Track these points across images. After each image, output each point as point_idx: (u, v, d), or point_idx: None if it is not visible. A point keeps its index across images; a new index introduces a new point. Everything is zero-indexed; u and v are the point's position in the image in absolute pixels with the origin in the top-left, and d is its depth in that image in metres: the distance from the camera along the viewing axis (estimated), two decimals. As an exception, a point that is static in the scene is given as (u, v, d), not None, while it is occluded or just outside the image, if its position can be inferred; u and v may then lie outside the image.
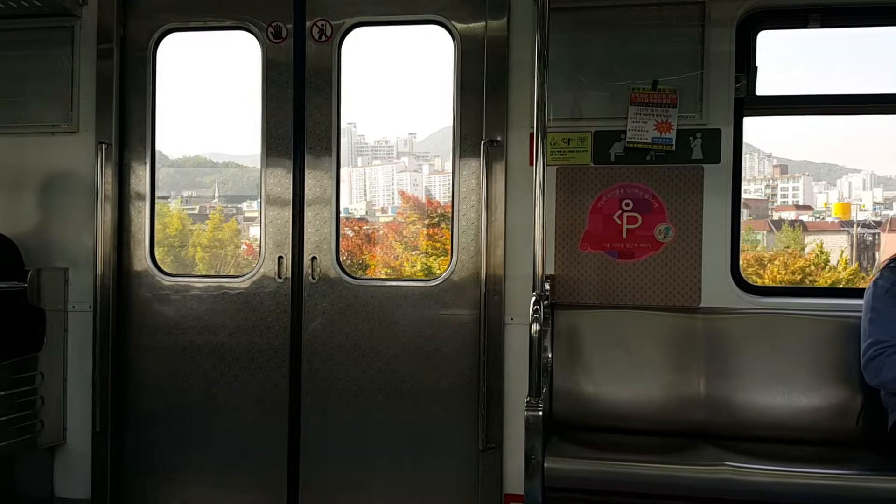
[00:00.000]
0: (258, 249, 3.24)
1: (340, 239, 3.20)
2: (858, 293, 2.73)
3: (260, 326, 3.17)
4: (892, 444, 2.50)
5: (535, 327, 2.38)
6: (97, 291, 3.17)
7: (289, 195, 3.18)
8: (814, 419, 2.70)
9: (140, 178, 3.28)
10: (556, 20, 2.62)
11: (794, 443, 2.66)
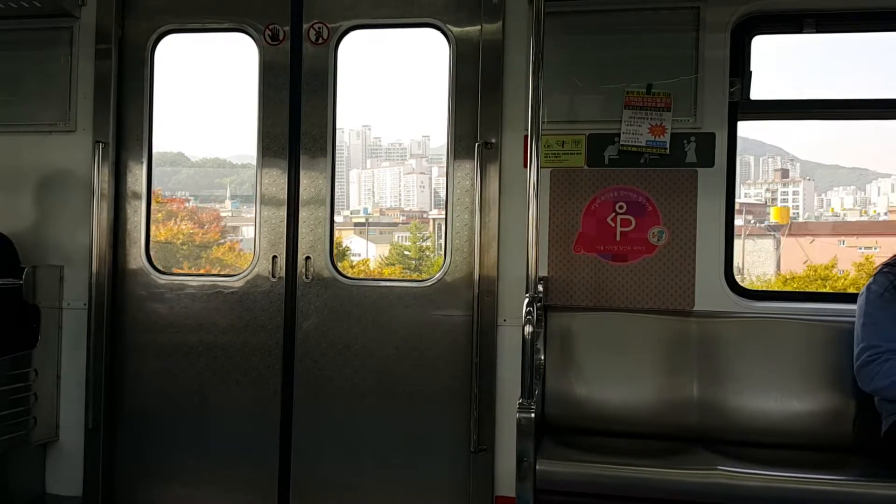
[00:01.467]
0: (252, 249, 3.25)
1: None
2: (852, 298, 2.72)
3: (253, 325, 3.18)
4: (886, 449, 2.48)
5: (528, 329, 2.37)
6: (92, 289, 3.18)
7: (284, 195, 3.19)
8: (807, 424, 2.69)
9: (136, 178, 3.30)
10: (550, 23, 2.64)
11: (788, 447, 2.65)
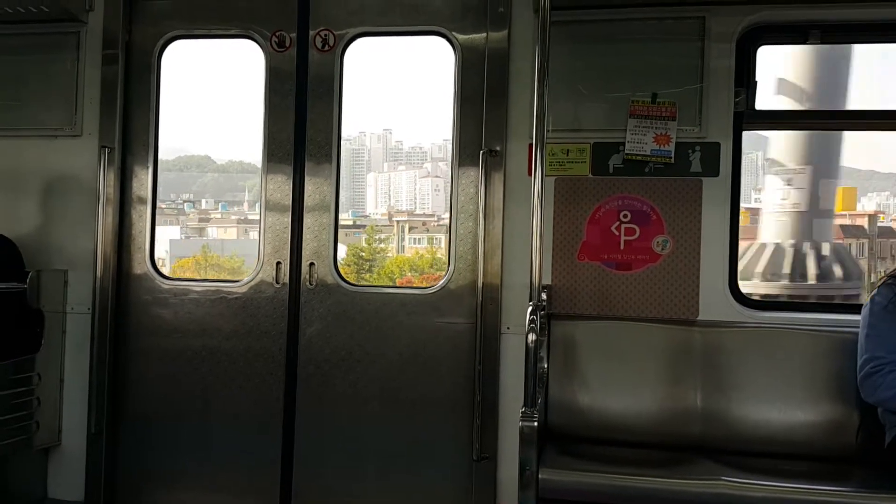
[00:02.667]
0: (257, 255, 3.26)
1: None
2: (856, 309, 2.72)
3: (257, 331, 3.18)
4: (890, 460, 2.48)
5: (532, 337, 2.37)
6: (96, 294, 3.19)
7: (288, 201, 3.19)
8: (811, 434, 2.68)
9: (142, 183, 3.31)
10: (556, 32, 2.64)
11: (791, 458, 2.64)
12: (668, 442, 2.73)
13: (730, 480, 2.37)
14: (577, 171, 2.97)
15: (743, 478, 2.40)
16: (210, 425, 3.22)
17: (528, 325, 2.37)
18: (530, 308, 2.41)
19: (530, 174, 2.59)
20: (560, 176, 2.97)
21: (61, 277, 3.25)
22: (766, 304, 3.14)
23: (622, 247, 2.94)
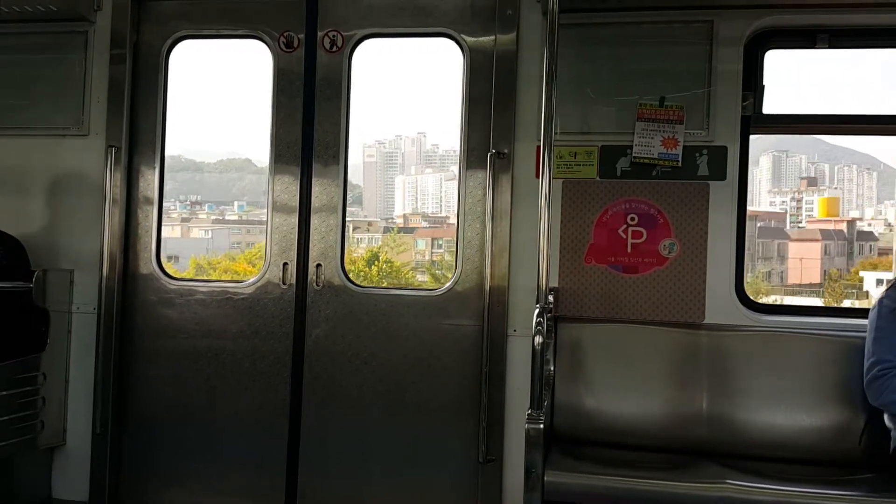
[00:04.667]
0: (264, 255, 3.26)
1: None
2: (863, 313, 2.72)
3: (263, 332, 3.18)
4: (895, 465, 2.49)
5: (538, 340, 2.37)
6: (102, 293, 3.19)
7: (295, 202, 3.19)
8: (816, 439, 2.69)
9: (149, 183, 3.30)
10: (564, 35, 2.65)
11: (797, 462, 2.65)
12: (673, 445, 2.74)
13: (735, 484, 2.38)
14: (585, 173, 2.97)
15: (748, 481, 2.41)
16: (215, 426, 3.21)
17: (535, 328, 2.37)
18: (537, 310, 2.41)
19: (538, 176, 2.59)
20: (568, 178, 2.97)
21: (67, 277, 3.25)
22: (772, 307, 3.15)
23: (629, 250, 2.94)
